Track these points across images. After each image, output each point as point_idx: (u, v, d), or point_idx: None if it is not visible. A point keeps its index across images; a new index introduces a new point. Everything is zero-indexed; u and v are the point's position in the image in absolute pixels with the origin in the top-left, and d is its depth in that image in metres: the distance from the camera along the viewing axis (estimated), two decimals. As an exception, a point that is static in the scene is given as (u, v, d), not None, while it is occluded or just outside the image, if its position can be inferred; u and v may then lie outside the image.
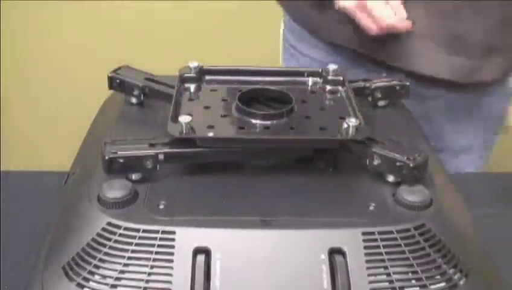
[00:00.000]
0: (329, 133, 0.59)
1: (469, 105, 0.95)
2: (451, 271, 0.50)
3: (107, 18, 1.66)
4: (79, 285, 0.48)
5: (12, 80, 1.71)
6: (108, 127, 0.66)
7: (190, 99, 0.65)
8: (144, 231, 0.49)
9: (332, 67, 0.69)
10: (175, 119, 0.57)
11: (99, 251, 0.49)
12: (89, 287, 0.48)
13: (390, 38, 0.87)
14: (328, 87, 0.69)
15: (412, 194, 0.54)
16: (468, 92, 0.94)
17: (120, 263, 0.48)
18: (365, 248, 0.49)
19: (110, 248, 0.49)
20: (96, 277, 0.48)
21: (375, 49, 0.91)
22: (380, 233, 0.50)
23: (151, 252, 0.48)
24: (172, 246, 0.49)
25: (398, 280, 0.48)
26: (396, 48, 0.89)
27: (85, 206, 0.53)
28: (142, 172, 0.56)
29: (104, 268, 0.48)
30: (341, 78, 0.68)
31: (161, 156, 0.56)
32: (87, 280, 0.48)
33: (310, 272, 0.48)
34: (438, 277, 0.49)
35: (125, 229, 0.50)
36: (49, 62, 1.72)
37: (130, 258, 0.48)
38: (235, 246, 0.49)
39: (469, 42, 0.87)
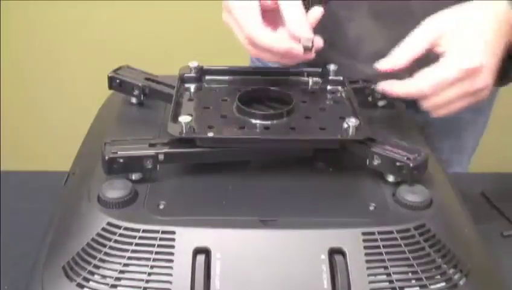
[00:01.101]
0: (329, 133, 0.59)
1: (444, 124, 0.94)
2: (451, 271, 0.50)
3: (107, 18, 1.65)
4: (79, 285, 0.48)
5: (12, 80, 1.71)
6: (108, 127, 0.66)
7: (190, 100, 0.65)
8: (144, 231, 0.49)
9: (332, 67, 0.69)
10: (175, 119, 0.57)
11: (99, 251, 0.49)
12: (89, 287, 0.48)
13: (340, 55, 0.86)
14: (328, 87, 0.68)
15: (412, 194, 0.54)
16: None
17: (120, 263, 0.48)
18: (365, 248, 0.49)
19: (110, 248, 0.49)
20: (96, 277, 0.48)
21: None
22: (380, 233, 0.50)
23: (151, 252, 0.48)
24: (172, 246, 0.49)
25: (398, 280, 0.48)
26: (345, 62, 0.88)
27: (85, 206, 0.53)
28: (142, 172, 0.56)
29: (104, 268, 0.48)
30: (341, 78, 0.68)
31: (161, 156, 0.56)
32: (87, 280, 0.48)
33: (310, 272, 0.48)
34: (438, 277, 0.49)
35: (125, 229, 0.50)
36: (49, 62, 1.72)
37: (130, 258, 0.48)
38: (235, 246, 0.49)
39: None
